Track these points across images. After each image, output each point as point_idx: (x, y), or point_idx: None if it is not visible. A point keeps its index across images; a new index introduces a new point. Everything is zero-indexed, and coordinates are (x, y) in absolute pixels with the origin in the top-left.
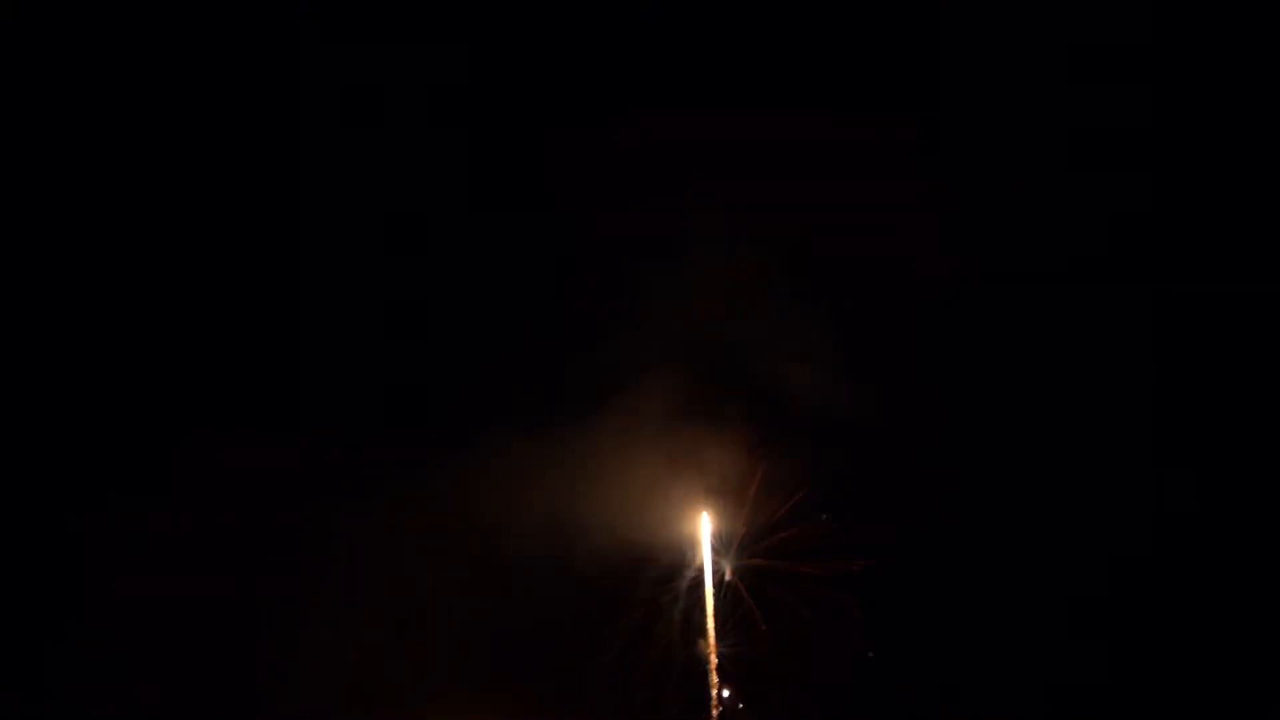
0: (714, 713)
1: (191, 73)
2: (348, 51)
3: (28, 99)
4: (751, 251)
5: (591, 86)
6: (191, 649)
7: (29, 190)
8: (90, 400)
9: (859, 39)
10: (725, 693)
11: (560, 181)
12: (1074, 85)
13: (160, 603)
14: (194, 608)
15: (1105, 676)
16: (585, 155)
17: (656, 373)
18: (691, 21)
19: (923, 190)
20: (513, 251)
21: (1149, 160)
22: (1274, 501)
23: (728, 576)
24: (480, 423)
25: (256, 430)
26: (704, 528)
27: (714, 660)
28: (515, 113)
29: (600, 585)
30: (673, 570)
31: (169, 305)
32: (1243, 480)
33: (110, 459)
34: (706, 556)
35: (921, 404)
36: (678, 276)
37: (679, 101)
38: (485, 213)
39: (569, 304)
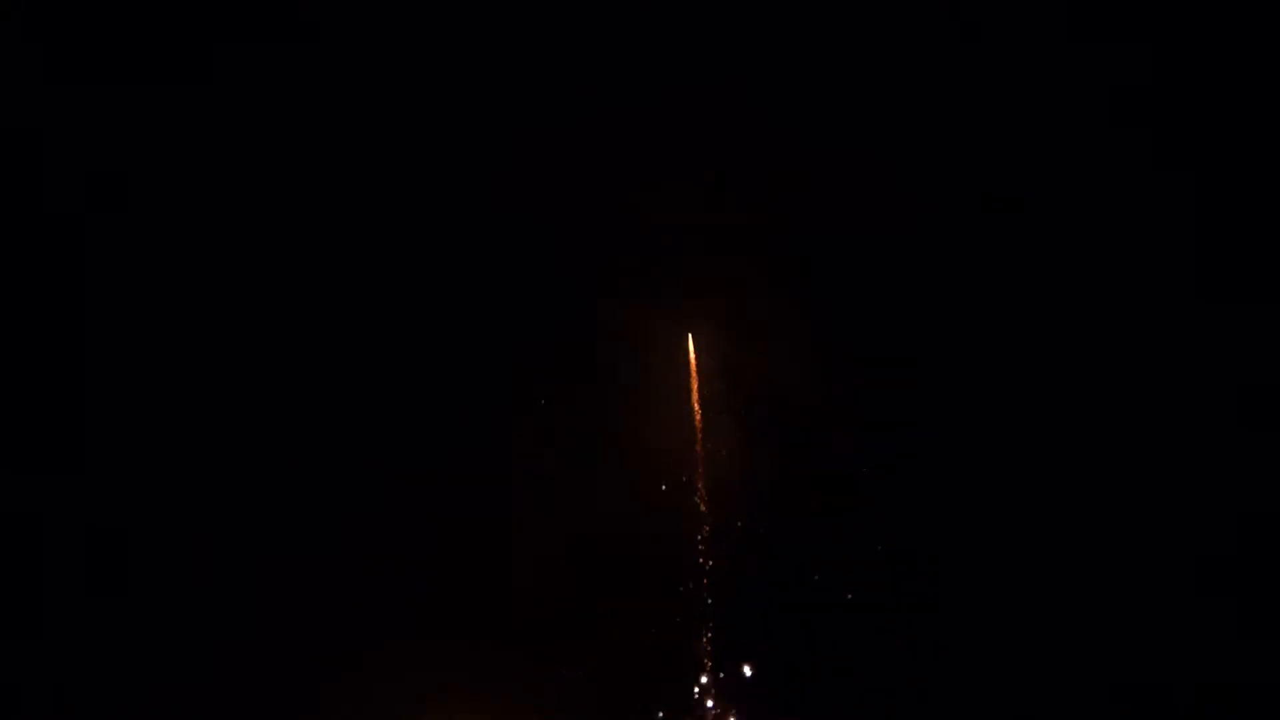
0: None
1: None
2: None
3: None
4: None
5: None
6: (192, 653)
7: None
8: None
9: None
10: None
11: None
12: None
13: (159, 603)
14: (193, 610)
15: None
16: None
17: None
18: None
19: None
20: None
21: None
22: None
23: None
24: (470, 420)
25: (252, 428)
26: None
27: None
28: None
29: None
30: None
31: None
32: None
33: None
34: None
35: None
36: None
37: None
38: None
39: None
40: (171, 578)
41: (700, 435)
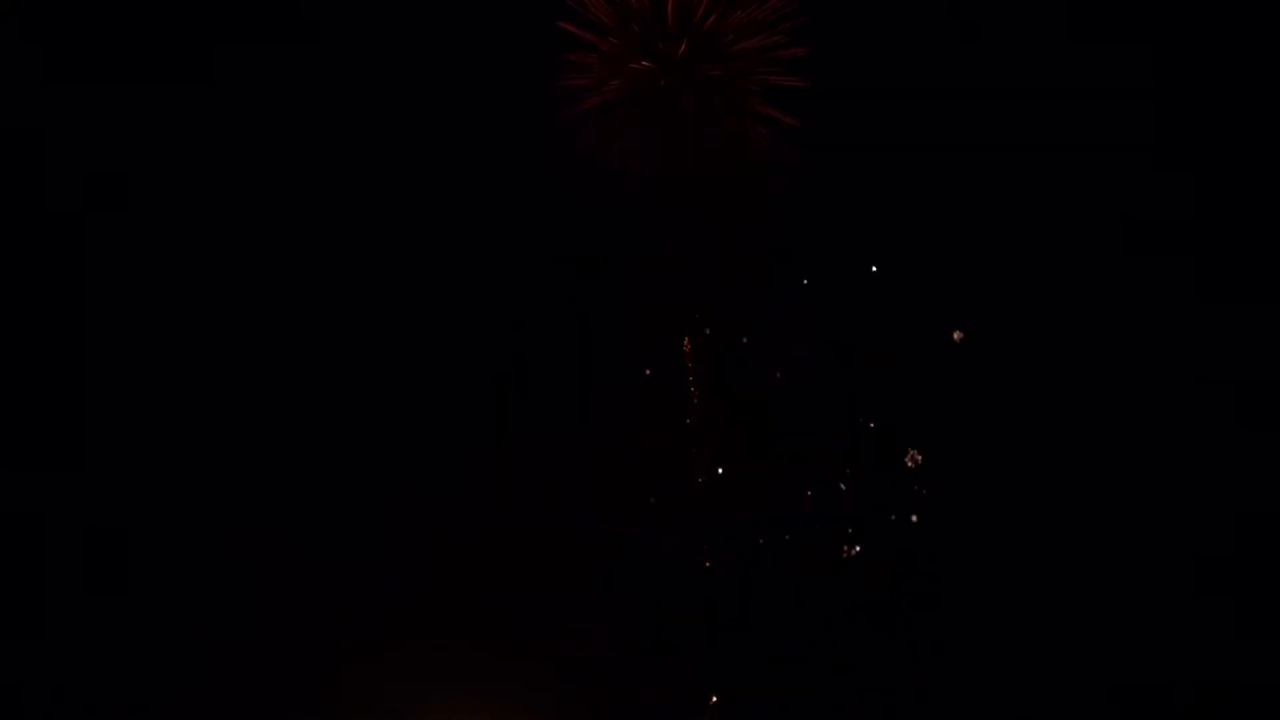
0: None
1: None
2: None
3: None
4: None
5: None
6: (192, 653)
7: None
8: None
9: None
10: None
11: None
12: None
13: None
14: (192, 610)
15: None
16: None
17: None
18: None
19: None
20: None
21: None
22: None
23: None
24: (469, 420)
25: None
26: None
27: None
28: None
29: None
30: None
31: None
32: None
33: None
34: None
35: None
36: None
37: None
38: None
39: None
40: (170, 578)
41: (700, 433)
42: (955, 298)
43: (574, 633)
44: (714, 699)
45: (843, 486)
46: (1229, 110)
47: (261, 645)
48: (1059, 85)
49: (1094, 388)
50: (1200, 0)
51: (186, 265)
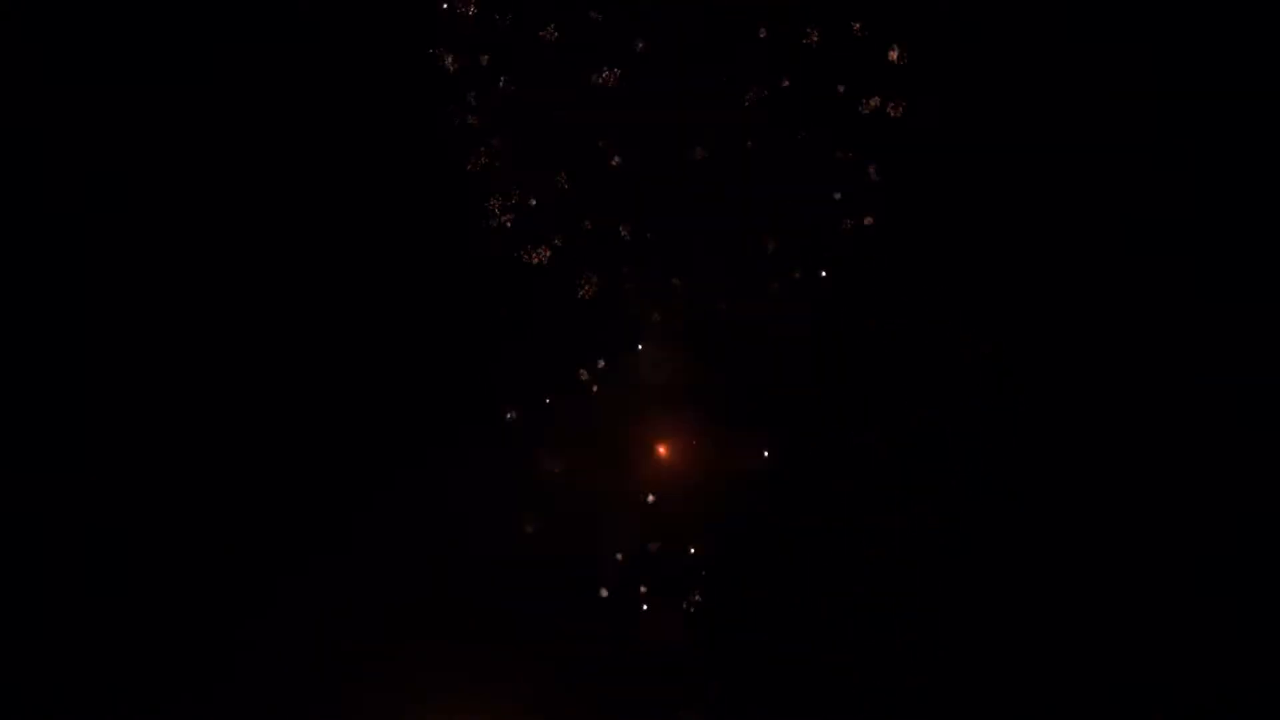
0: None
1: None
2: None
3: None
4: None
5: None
6: (189, 654)
7: None
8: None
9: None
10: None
11: None
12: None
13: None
14: (190, 610)
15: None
16: None
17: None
18: None
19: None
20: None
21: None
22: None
23: None
24: (467, 419)
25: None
26: None
27: None
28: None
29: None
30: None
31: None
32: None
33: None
34: None
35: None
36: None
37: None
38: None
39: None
40: (171, 579)
41: (698, 429)
42: (955, 297)
43: (574, 633)
44: (713, 698)
45: (842, 485)
46: (1229, 110)
47: (261, 645)
48: (1059, 85)
49: (1093, 387)
50: (1200, 0)
51: (186, 265)
